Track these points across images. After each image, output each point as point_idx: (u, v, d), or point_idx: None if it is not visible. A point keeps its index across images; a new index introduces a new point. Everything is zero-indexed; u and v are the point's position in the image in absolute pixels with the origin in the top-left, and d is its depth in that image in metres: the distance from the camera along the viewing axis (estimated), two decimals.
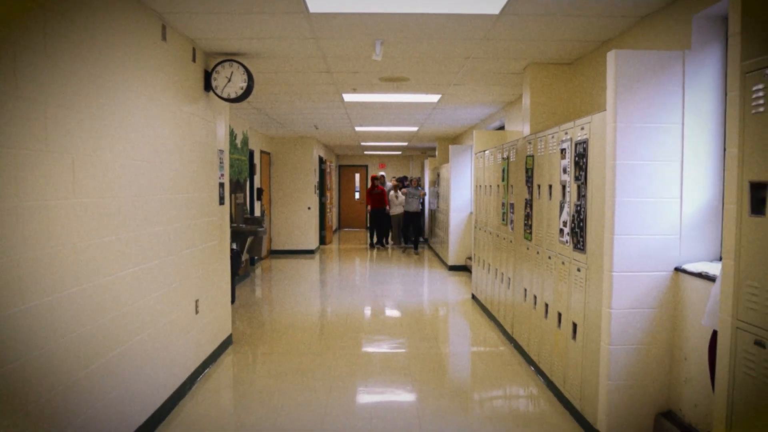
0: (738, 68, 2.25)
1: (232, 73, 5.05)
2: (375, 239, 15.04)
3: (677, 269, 3.46)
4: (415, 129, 11.83)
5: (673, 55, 3.40)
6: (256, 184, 11.65)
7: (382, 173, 16.21)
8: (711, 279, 3.08)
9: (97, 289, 3.14)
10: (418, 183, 14.61)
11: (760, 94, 2.15)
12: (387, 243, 15.18)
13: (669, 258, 3.48)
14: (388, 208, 14.61)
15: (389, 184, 15.85)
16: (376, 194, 14.68)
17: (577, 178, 3.96)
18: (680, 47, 3.58)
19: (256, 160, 11.68)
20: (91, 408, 3.05)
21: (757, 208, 2.19)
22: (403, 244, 14.84)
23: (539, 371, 4.85)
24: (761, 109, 2.15)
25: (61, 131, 2.78)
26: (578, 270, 3.97)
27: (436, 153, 14.75)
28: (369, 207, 14.94)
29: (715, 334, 2.59)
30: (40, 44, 2.60)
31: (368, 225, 15.68)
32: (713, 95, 3.42)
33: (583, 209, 3.88)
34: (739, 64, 2.24)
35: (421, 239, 14.96)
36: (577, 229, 3.97)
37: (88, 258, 3.05)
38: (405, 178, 15.79)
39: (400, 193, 14.36)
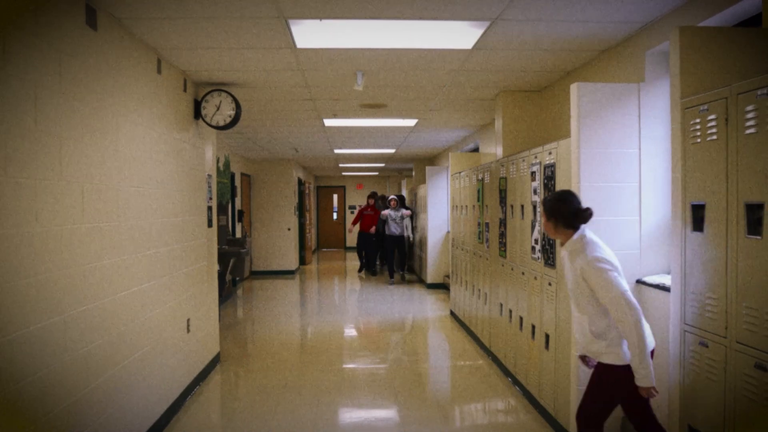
0: (678, 104, 2.59)
1: (220, 101, 5.32)
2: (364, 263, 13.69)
3: (638, 281, 3.78)
4: (392, 151, 12.18)
5: (629, 88, 3.77)
6: (237, 206, 11.85)
7: (394, 196, 12.87)
8: (667, 289, 3.41)
9: (101, 308, 3.35)
10: (400, 203, 12.15)
11: (697, 127, 2.49)
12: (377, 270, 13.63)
13: (630, 271, 3.80)
14: (372, 229, 13.07)
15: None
16: (367, 215, 13.33)
17: None
18: (637, 79, 3.95)
19: (237, 182, 11.89)
20: (95, 422, 3.24)
21: (697, 225, 2.51)
22: (394, 273, 12.22)
23: (516, 382, 5.13)
24: (698, 140, 2.49)
25: (72, 162, 3.02)
26: (549, 284, 4.27)
27: (413, 174, 15.05)
28: (352, 227, 13.72)
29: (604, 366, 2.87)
30: (56, 83, 2.85)
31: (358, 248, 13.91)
32: (665, 124, 3.78)
33: None
34: (679, 101, 2.59)
35: (401, 271, 12.65)
36: (547, 246, 4.29)
37: (94, 279, 3.26)
38: (383, 197, 13.98)
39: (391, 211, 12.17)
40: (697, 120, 2.49)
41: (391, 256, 12.05)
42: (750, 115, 2.21)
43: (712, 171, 2.43)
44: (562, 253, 3.01)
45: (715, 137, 2.41)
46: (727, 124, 2.33)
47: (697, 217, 2.51)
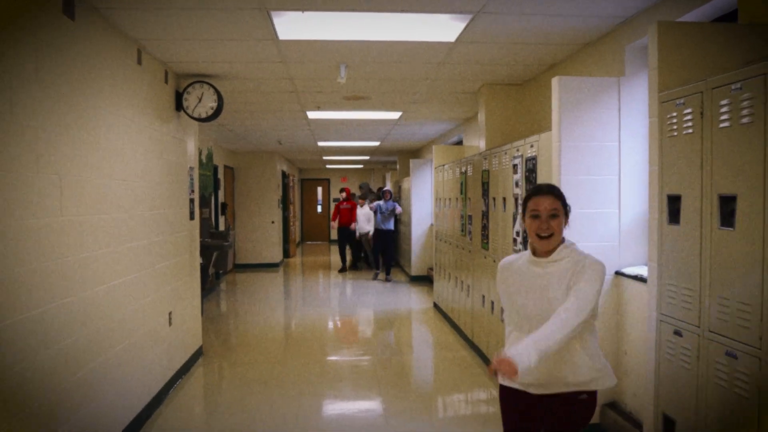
0: (656, 98, 2.63)
1: (202, 93, 5.28)
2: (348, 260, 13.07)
3: (617, 273, 3.84)
4: (376, 143, 12.17)
5: (609, 81, 3.81)
6: (220, 198, 11.78)
7: (388, 188, 12.53)
8: (645, 281, 3.46)
9: (81, 302, 3.32)
10: (391, 196, 11.55)
11: (674, 120, 2.53)
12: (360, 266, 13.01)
13: (610, 263, 3.84)
14: (353, 226, 12.32)
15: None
16: (344, 209, 12.70)
17: None
18: (617, 73, 3.99)
19: (220, 175, 11.82)
20: (75, 416, 3.22)
21: (673, 218, 2.56)
22: (375, 269, 11.62)
23: None
24: (675, 133, 2.53)
25: (51, 154, 2.98)
26: None
27: (397, 166, 15.07)
28: (333, 224, 12.98)
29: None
30: (32, 73, 2.81)
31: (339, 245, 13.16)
32: (644, 118, 3.82)
33: None
34: (657, 94, 2.62)
35: (386, 273, 11.40)
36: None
37: (74, 272, 3.23)
38: (377, 189, 13.28)
39: (367, 207, 11.94)
40: (674, 114, 2.53)
41: (377, 251, 11.40)
42: (724, 110, 2.25)
43: (687, 164, 2.47)
44: (544, 267, 2.33)
45: (691, 131, 2.45)
46: (703, 118, 2.37)
47: (674, 209, 2.56)
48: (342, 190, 13.23)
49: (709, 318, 2.36)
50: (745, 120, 2.15)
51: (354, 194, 12.83)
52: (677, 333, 2.52)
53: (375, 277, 11.37)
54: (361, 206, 12.07)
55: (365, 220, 11.89)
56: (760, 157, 2.07)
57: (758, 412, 2.11)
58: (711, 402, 2.35)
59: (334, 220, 12.98)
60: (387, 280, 11.21)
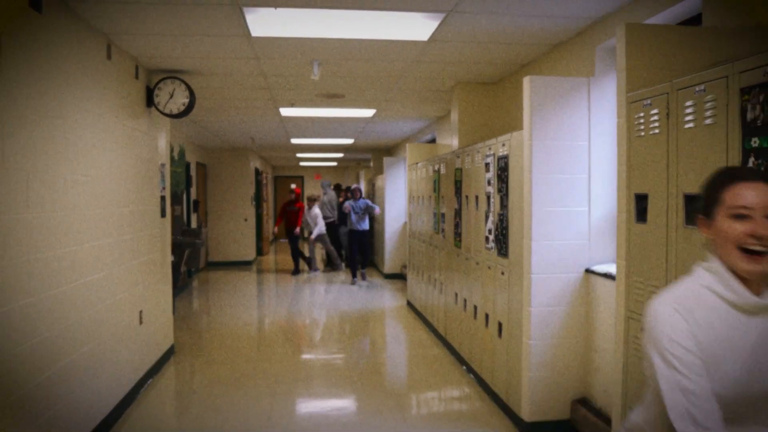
0: (624, 99, 2.68)
1: (174, 89, 5.21)
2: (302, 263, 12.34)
3: (587, 270, 3.90)
4: (350, 141, 12.16)
5: (579, 81, 3.86)
6: (193, 196, 11.64)
7: (358, 186, 12.02)
8: (614, 278, 3.52)
9: (48, 300, 3.26)
10: (362, 194, 11.03)
11: (641, 121, 2.58)
12: (315, 269, 12.30)
13: (580, 260, 3.92)
14: (297, 231, 11.99)
15: (326, 193, 12.60)
16: (291, 211, 12.19)
17: (499, 190, 4.37)
18: (588, 73, 4.05)
19: (193, 172, 11.68)
20: (41, 418, 3.16)
21: (640, 216, 2.61)
22: (352, 275, 10.85)
23: (471, 370, 5.23)
24: (642, 133, 2.58)
25: (17, 149, 2.92)
26: (502, 273, 4.37)
27: (371, 164, 15.07)
28: (276, 230, 12.03)
29: None
30: None
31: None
32: (614, 117, 3.88)
33: (505, 218, 4.28)
34: (625, 95, 2.67)
35: (362, 271, 10.87)
36: (500, 236, 4.37)
37: (40, 270, 3.17)
38: (346, 188, 13.08)
39: (316, 209, 11.59)
40: (641, 114, 2.58)
41: (354, 253, 10.76)
42: (689, 110, 2.30)
43: (654, 163, 2.53)
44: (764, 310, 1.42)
45: (657, 131, 2.50)
46: (669, 119, 2.43)
47: (641, 208, 2.61)
48: (291, 191, 12.56)
49: None
50: (708, 121, 2.21)
51: (311, 196, 12.11)
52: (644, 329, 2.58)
53: (353, 282, 10.68)
54: (310, 208, 11.66)
55: (311, 222, 11.56)
56: (723, 157, 2.13)
57: None
58: None
59: (278, 224, 12.26)
60: (362, 278, 10.81)
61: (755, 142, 1.99)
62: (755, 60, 2.00)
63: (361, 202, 10.65)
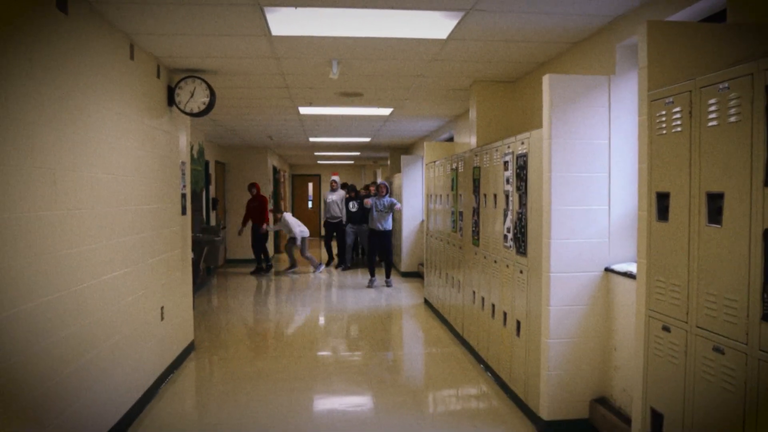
0: (646, 97, 2.67)
1: (194, 88, 5.27)
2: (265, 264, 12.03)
3: (607, 269, 3.88)
4: (367, 139, 12.18)
5: (599, 80, 3.84)
6: (211, 194, 11.75)
7: (382, 181, 11.22)
8: (634, 277, 3.50)
9: (73, 296, 3.32)
10: (387, 190, 9.98)
11: (663, 119, 2.57)
12: (319, 265, 12.08)
13: (600, 259, 3.90)
14: (265, 227, 11.65)
15: (339, 192, 12.55)
16: (253, 207, 11.78)
17: (518, 188, 4.36)
18: (607, 71, 4.03)
19: (211, 170, 11.79)
20: (67, 410, 3.22)
21: (662, 215, 2.60)
22: (371, 275, 10.23)
23: (488, 368, 5.22)
24: (664, 131, 2.56)
25: (44, 148, 2.98)
26: (521, 272, 4.36)
27: (388, 162, 15.07)
28: (242, 229, 11.85)
29: None
30: (26, 68, 2.81)
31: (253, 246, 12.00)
32: (634, 116, 3.86)
33: (524, 216, 4.27)
34: (647, 93, 2.66)
35: (386, 278, 10.15)
36: (519, 235, 4.37)
37: (66, 266, 3.23)
38: (353, 186, 12.74)
39: (288, 217, 11.24)
40: (663, 112, 2.57)
41: (373, 254, 10.15)
42: (712, 108, 2.28)
43: (676, 162, 2.51)
44: None
45: (679, 129, 2.49)
46: (691, 117, 2.41)
47: (662, 206, 2.60)
48: (252, 186, 11.92)
49: (696, 314, 2.40)
50: (732, 119, 2.19)
51: (270, 196, 11.64)
52: (665, 329, 2.57)
53: (370, 284, 10.08)
54: (277, 220, 11.65)
55: (286, 229, 11.51)
56: (747, 155, 2.11)
57: (744, 407, 2.15)
58: (698, 397, 2.39)
59: (245, 224, 11.89)
60: (387, 284, 10.05)
61: None
62: None
63: (386, 200, 9.83)
